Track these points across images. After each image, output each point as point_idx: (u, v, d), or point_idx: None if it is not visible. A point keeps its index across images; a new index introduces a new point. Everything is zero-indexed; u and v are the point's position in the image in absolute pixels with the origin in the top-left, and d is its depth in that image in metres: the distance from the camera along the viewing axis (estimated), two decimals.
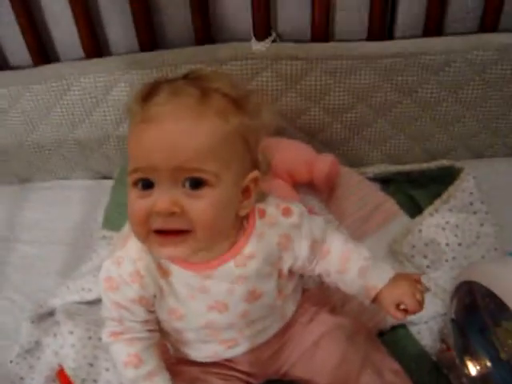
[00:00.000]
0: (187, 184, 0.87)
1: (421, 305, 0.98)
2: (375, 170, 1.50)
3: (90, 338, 1.21)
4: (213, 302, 1.00)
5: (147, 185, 0.89)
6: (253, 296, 1.01)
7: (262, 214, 1.01)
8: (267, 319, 1.08)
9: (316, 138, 1.46)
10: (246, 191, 0.95)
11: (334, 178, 1.39)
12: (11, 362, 1.24)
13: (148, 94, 0.90)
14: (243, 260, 0.98)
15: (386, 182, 1.50)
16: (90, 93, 1.40)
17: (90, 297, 1.30)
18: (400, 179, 1.49)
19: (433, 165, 1.46)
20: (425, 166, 1.47)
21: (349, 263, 1.05)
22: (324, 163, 1.36)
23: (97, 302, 1.29)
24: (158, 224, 0.89)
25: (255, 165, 0.96)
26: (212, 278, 0.98)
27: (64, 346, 1.21)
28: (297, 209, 1.03)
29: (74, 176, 1.59)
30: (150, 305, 1.00)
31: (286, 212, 1.02)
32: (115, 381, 1.17)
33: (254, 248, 0.99)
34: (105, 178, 1.58)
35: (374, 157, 1.52)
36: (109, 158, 1.53)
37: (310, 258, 1.05)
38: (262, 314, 1.06)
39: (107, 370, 1.18)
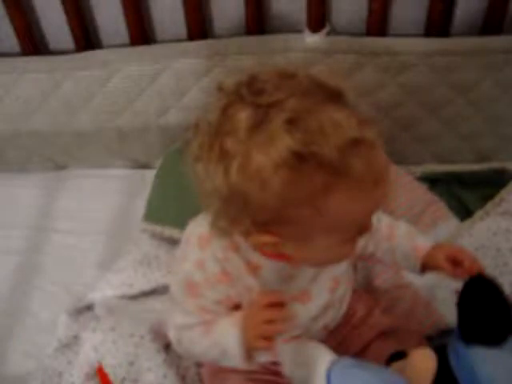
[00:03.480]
0: None
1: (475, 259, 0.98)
2: (424, 169, 1.46)
3: (131, 335, 1.18)
4: (297, 292, 0.97)
5: None
6: (335, 282, 1.00)
7: None
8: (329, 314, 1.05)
9: None
10: None
11: None
12: (49, 356, 1.21)
13: (353, 142, 0.76)
14: None
15: (434, 181, 1.45)
16: (133, 81, 1.36)
17: (132, 292, 1.26)
18: (449, 180, 1.45)
19: (484, 167, 1.43)
20: (476, 167, 1.44)
21: (396, 229, 1.07)
22: None
23: (139, 296, 1.27)
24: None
25: None
26: (298, 268, 0.95)
27: (104, 343, 1.18)
28: None
29: (112, 164, 1.56)
30: (234, 304, 0.96)
31: None
32: (156, 381, 1.14)
33: None
34: (143, 167, 1.55)
35: (423, 155, 1.48)
36: (149, 147, 1.49)
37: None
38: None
39: (149, 369, 1.15)
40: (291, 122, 0.74)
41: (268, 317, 0.88)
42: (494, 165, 1.43)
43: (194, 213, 1.36)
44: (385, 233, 1.07)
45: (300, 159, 0.74)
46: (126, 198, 1.49)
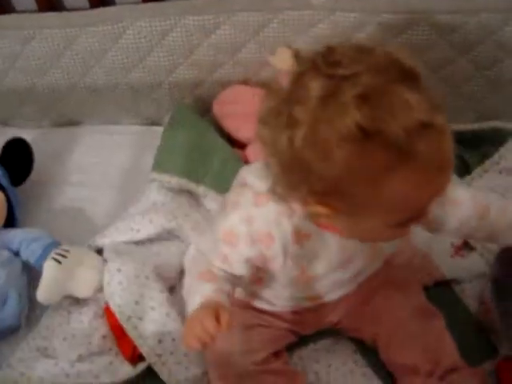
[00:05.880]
0: None
1: None
2: None
3: (137, 276, 1.23)
4: (342, 258, 1.00)
5: None
6: (373, 250, 1.02)
7: None
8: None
9: None
10: None
11: None
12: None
13: (422, 125, 0.76)
14: None
15: None
16: (144, 37, 1.41)
17: (139, 237, 1.31)
18: None
19: (485, 125, 1.46)
20: (476, 126, 1.46)
21: (490, 206, 1.03)
22: None
23: (145, 242, 1.33)
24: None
25: None
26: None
27: (111, 284, 1.23)
28: None
29: (124, 121, 1.61)
30: (263, 268, 1.00)
31: None
32: (160, 320, 1.19)
33: None
34: (154, 124, 1.59)
35: None
36: (160, 104, 1.54)
37: None
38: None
39: (153, 308, 1.20)
40: (362, 98, 0.75)
41: (211, 329, 0.89)
42: (495, 124, 1.45)
43: (200, 163, 1.41)
44: (476, 211, 1.03)
45: (366, 135, 0.74)
46: (138, 153, 1.55)
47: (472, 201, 1.03)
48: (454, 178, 1.34)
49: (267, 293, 1.11)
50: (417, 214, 0.85)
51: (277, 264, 0.98)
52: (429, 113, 0.76)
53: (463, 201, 1.03)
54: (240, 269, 0.99)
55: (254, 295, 1.13)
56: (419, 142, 0.75)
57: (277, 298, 1.12)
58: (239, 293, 1.13)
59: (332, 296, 1.12)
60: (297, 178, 0.82)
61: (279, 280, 1.04)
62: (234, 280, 1.01)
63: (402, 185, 0.78)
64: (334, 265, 1.00)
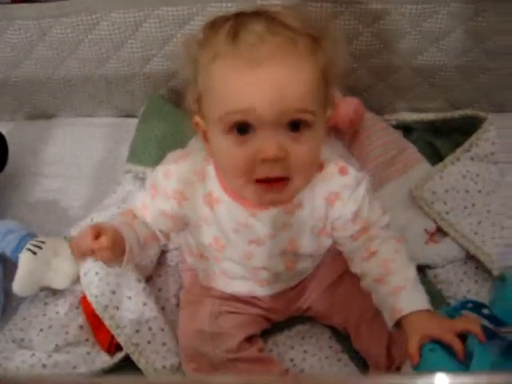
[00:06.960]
0: (289, 127, 0.86)
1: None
2: (398, 117, 1.51)
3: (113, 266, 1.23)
4: (253, 237, 1.02)
5: (244, 129, 0.86)
6: (291, 245, 1.03)
7: (320, 168, 0.99)
8: (304, 263, 1.11)
9: (341, 83, 1.46)
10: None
11: (358, 122, 1.40)
12: None
13: (234, 33, 0.86)
14: (292, 208, 0.99)
15: (408, 130, 1.51)
16: (118, 28, 1.41)
17: None
18: (422, 128, 1.50)
19: (456, 114, 1.48)
20: (448, 114, 1.49)
21: (389, 277, 0.99)
22: (349, 106, 1.37)
23: None
24: (263, 173, 0.87)
25: (328, 104, 0.94)
26: (257, 217, 0.99)
27: (88, 274, 1.23)
28: (354, 172, 1.00)
29: (98, 113, 1.61)
30: (178, 224, 1.05)
31: (342, 170, 1.00)
32: (137, 309, 1.20)
33: (303, 197, 0.99)
34: (128, 115, 1.59)
35: (398, 104, 1.53)
36: (134, 95, 1.54)
37: (350, 225, 1.02)
38: (299, 260, 1.09)
39: (129, 298, 1.21)
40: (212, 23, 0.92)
41: (88, 244, 0.98)
42: (466, 112, 1.47)
43: None
44: (376, 274, 1.01)
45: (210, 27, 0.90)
46: (112, 144, 1.55)
47: (382, 261, 1.01)
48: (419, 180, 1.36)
49: (212, 272, 1.13)
50: (239, 124, 0.86)
51: (191, 226, 1.04)
52: (274, 12, 0.89)
53: (376, 259, 1.02)
54: (152, 219, 1.06)
55: (209, 277, 1.15)
56: (243, 28, 0.86)
57: (222, 276, 1.12)
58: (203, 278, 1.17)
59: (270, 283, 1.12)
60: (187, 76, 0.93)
61: (201, 244, 1.07)
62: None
63: (219, 71, 0.87)
64: (244, 237, 1.02)
